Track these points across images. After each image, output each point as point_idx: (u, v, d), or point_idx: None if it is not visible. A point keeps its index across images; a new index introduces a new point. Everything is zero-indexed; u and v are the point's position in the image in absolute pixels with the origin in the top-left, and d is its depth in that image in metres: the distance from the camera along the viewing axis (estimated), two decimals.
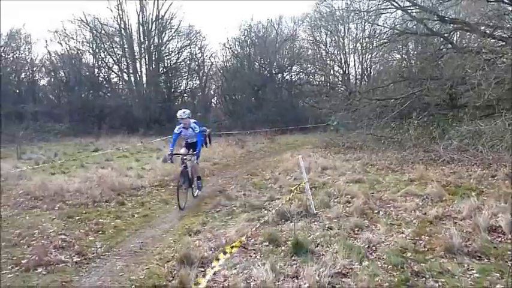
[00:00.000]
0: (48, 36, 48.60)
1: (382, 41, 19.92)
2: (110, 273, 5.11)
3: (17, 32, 32.76)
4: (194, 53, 36.15)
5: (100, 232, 6.78)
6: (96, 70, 35.52)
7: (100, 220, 7.42)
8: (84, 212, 7.96)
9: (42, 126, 28.02)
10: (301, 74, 36.64)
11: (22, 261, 5.40)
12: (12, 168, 12.92)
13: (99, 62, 35.27)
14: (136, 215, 7.86)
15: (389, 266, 4.69)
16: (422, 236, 5.63)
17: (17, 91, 33.11)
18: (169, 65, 35.52)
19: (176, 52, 35.40)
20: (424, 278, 4.38)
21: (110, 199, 8.91)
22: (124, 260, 5.53)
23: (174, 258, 5.29)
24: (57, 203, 8.57)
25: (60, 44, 36.54)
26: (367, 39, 30.87)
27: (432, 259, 4.86)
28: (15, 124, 24.09)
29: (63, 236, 6.41)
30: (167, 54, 35.29)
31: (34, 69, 34.80)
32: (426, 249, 5.20)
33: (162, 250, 5.82)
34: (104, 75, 35.96)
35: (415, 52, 21.12)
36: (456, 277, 4.37)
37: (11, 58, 32.85)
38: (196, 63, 36.56)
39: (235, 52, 36.37)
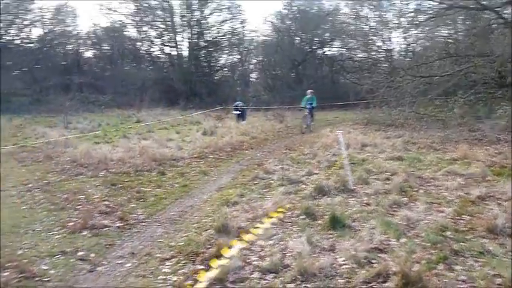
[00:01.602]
0: (93, 10, 49.73)
1: (428, 16, 19.15)
2: (150, 238, 5.28)
3: (64, 5, 33.64)
4: (235, 27, 36.05)
5: (141, 200, 7.00)
6: (138, 43, 36.10)
7: (141, 188, 7.65)
8: (126, 180, 8.23)
9: (87, 97, 28.95)
10: (342, 49, 35.89)
11: (68, 224, 5.67)
12: (59, 136, 13.46)
13: (142, 35, 35.77)
14: (176, 185, 8.04)
15: (428, 244, 4.61)
16: (464, 216, 5.49)
17: (64, 63, 34.16)
18: (210, 39, 35.56)
19: (217, 26, 35.38)
20: (463, 257, 4.29)
21: (151, 169, 9.16)
22: (164, 227, 5.70)
23: (212, 227, 5.40)
24: (101, 170, 8.90)
25: (105, 17, 37.36)
26: (412, 13, 29.80)
27: (473, 239, 4.74)
28: (62, 94, 24.93)
29: (106, 202, 6.67)
30: (208, 28, 35.31)
31: (79, 42, 35.76)
32: (467, 228, 5.07)
33: (200, 219, 5.95)
34: (146, 49, 36.50)
35: (463, 28, 20.24)
36: (497, 258, 4.26)
37: (58, 31, 33.81)
38: (237, 37, 36.48)
39: (276, 26, 35.97)
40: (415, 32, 29.78)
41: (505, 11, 15.74)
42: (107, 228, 5.58)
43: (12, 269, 4.28)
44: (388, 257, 4.35)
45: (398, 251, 4.43)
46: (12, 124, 18.59)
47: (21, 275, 4.17)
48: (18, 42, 31.95)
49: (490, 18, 16.05)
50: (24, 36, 32.40)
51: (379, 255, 4.41)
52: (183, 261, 4.51)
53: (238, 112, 18.82)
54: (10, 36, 31.63)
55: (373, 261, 4.27)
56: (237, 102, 19.67)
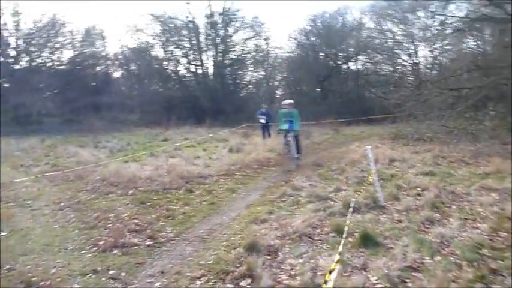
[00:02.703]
0: (121, 32, 51.13)
1: (455, 28, 18.90)
2: (180, 257, 5.30)
3: (93, 27, 34.67)
4: (259, 45, 36.33)
5: (170, 218, 7.04)
6: (165, 63, 36.74)
7: (170, 206, 7.71)
8: (155, 198, 8.30)
9: (116, 117, 29.53)
10: (367, 63, 35.67)
11: (99, 242, 5.75)
12: (89, 155, 13.74)
13: (168, 55, 36.40)
14: (204, 203, 8.07)
15: (464, 262, 4.47)
16: (500, 232, 5.31)
17: (93, 84, 35.04)
18: (235, 56, 35.91)
19: (242, 44, 35.71)
20: (502, 276, 4.14)
21: (179, 186, 9.22)
22: (193, 245, 5.71)
23: (241, 245, 5.38)
24: (131, 189, 9.01)
25: (132, 38, 38.28)
26: (438, 26, 29.50)
27: (511, 256, 4.57)
28: (92, 114, 25.51)
29: (136, 220, 6.74)
30: (233, 46, 35.66)
31: (108, 62, 36.68)
32: (504, 246, 4.90)
33: (229, 237, 5.94)
34: (173, 68, 37.10)
35: (492, 39, 19.88)
36: None
37: (88, 53, 34.81)
38: (261, 54, 36.73)
39: (300, 42, 36.11)
40: (442, 44, 29.55)
41: None
42: (136, 247, 5.63)
43: (46, 287, 4.35)
44: (423, 276, 4.23)
45: (434, 270, 4.31)
46: (45, 144, 19.08)
47: None
48: (49, 64, 32.98)
49: None
50: (56, 59, 33.47)
51: (413, 274, 4.30)
52: (213, 280, 4.51)
53: (263, 118, 17.91)
54: (42, 59, 32.70)
55: (407, 280, 4.17)
56: (263, 110, 19.24)
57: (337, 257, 3.54)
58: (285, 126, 12.00)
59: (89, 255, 5.40)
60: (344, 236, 4.76)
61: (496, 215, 6.05)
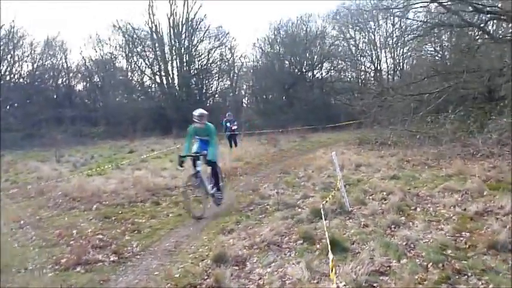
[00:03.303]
0: (82, 43, 50.22)
1: (414, 35, 19.47)
2: (145, 272, 5.16)
3: (53, 39, 33.89)
4: (224, 54, 36.42)
5: (136, 232, 6.87)
6: (129, 74, 36.30)
7: (136, 220, 7.53)
8: (120, 212, 8.10)
9: (80, 129, 28.88)
10: (332, 71, 36.35)
11: (61, 260, 5.53)
12: (51, 170, 13.33)
13: (132, 66, 36.03)
14: (171, 215, 7.92)
15: (429, 264, 4.53)
16: (463, 233, 5.43)
17: (55, 96, 34.20)
18: (200, 66, 35.84)
19: (206, 53, 35.73)
20: (466, 276, 4.21)
21: (145, 199, 9.04)
22: (159, 259, 5.58)
23: (209, 257, 5.30)
24: (95, 203, 8.76)
25: (95, 49, 37.68)
26: (398, 33, 30.35)
27: (474, 256, 4.67)
28: (54, 128, 24.85)
29: (100, 236, 6.53)
30: (198, 56, 35.63)
31: (70, 75, 35.91)
32: (467, 246, 5.01)
33: (196, 249, 5.84)
34: (137, 79, 36.69)
35: (449, 45, 20.57)
36: (500, 275, 4.18)
37: (48, 65, 33.99)
38: (227, 63, 36.82)
39: (265, 51, 36.39)
40: (403, 51, 30.41)
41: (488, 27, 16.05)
42: (101, 263, 5.45)
43: None
44: (390, 279, 4.26)
45: (400, 273, 4.34)
46: (4, 160, 18.40)
47: None
48: (8, 78, 31.99)
49: (475, 34, 16.33)
50: (15, 72, 32.50)
51: (381, 277, 4.33)
52: None
53: (229, 126, 17.95)
54: (0, 72, 31.70)
55: (375, 284, 4.19)
56: (228, 113, 19.18)
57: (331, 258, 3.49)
58: (196, 149, 8.20)
59: (51, 274, 5.19)
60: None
61: (458, 215, 6.19)
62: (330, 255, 3.53)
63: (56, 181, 11.02)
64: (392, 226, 5.91)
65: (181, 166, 8.12)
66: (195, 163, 7.93)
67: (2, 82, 30.60)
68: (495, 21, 16.29)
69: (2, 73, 31.44)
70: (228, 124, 18.15)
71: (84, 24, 59.83)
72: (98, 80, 36.01)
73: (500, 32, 16.90)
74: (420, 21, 18.19)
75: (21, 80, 32.78)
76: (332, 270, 3.29)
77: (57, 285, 4.78)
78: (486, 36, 15.73)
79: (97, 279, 4.97)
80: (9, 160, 18.16)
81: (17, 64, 32.36)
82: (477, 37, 16.32)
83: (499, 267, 4.34)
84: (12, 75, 32.29)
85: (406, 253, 4.92)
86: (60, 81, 35.32)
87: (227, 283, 4.43)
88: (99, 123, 31.20)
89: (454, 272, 4.29)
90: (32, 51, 32.77)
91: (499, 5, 15.07)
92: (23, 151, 21.87)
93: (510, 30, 15.25)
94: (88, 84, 36.37)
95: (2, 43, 30.62)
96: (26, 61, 32.77)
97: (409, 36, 21.89)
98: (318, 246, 5.40)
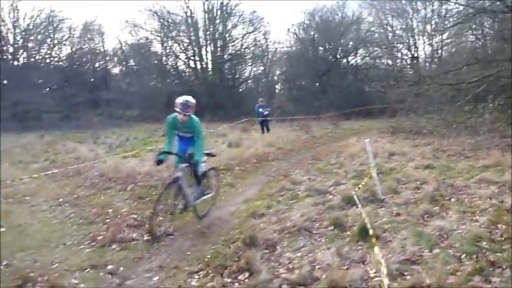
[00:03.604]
0: (119, 27, 51.01)
1: (455, 22, 18.85)
2: (178, 251, 5.29)
3: (91, 23, 34.61)
4: (258, 39, 36.29)
5: (169, 213, 7.01)
6: (164, 58, 36.69)
7: (168, 201, 7.67)
8: (154, 193, 8.25)
9: (115, 112, 29.54)
10: (367, 58, 35.67)
11: (98, 237, 5.72)
12: (88, 151, 13.73)
13: (167, 50, 36.37)
14: None
15: (463, 255, 4.45)
16: (499, 225, 5.28)
17: (92, 79, 35.01)
18: (233, 51, 35.87)
19: (240, 39, 35.70)
20: (500, 268, 4.12)
21: None
22: (192, 240, 5.69)
23: (240, 239, 5.37)
24: (129, 184, 8.99)
25: (131, 34, 38.28)
26: (437, 20, 29.45)
27: (510, 249, 4.55)
28: (91, 110, 25.49)
29: (134, 216, 6.71)
30: (232, 41, 35.65)
31: (107, 58, 36.65)
32: (503, 238, 4.87)
33: (228, 231, 5.93)
34: (172, 63, 37.05)
35: (492, 32, 19.82)
36: None
37: (86, 48, 34.76)
38: (260, 49, 36.69)
39: (299, 37, 36.03)
40: (441, 38, 29.49)
41: None
42: (135, 242, 5.61)
43: (44, 283, 4.34)
44: (422, 268, 4.22)
45: (432, 263, 4.29)
46: (44, 141, 19.06)
47: None
48: (48, 60, 32.94)
49: None
50: (54, 55, 33.43)
51: (412, 266, 4.28)
52: (211, 274, 4.50)
53: (262, 111, 18.02)
54: (40, 55, 32.67)
55: (406, 273, 4.16)
56: (261, 99, 19.28)
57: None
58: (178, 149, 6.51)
59: (87, 250, 5.39)
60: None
61: (494, 207, 6.02)
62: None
63: (93, 162, 11.34)
64: (425, 216, 5.82)
65: (158, 165, 6.40)
66: (178, 167, 6.23)
67: (42, 65, 31.54)
68: None
69: (42, 56, 32.40)
70: (261, 109, 18.16)
71: (121, 8, 60.72)
72: (134, 64, 36.62)
73: None
74: (462, 6, 17.55)
75: (60, 63, 33.72)
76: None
77: (93, 261, 4.96)
78: None
79: (131, 256, 5.14)
80: (49, 140, 18.80)
81: (56, 47, 33.31)
82: None
83: None
84: (51, 58, 33.26)
85: (439, 243, 4.85)
86: (97, 65, 36.16)
87: (257, 265, 4.48)
88: (134, 106, 31.78)
89: (488, 264, 4.20)
90: (71, 35, 33.63)
91: None
92: (61, 132, 22.54)
93: None
94: (124, 68, 37.09)
95: (42, 26, 31.49)
96: (65, 44, 33.67)
97: (449, 22, 21.22)
98: (348, 232, 5.39)
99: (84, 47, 34.55)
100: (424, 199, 6.55)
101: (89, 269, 4.77)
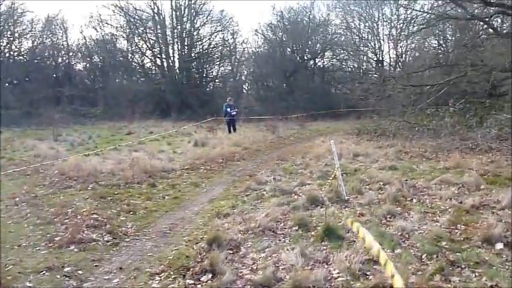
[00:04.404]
0: (84, 22, 49.76)
1: (418, 26, 19.29)
2: (139, 252, 5.16)
3: (54, 17, 33.54)
4: (226, 39, 36.11)
5: (131, 213, 6.87)
6: (130, 55, 35.98)
7: (131, 201, 7.52)
8: (116, 192, 8.09)
9: (78, 109, 28.77)
10: (333, 60, 36.14)
11: (56, 238, 5.52)
12: (48, 149, 13.29)
13: (133, 47, 35.66)
14: (166, 197, 7.93)
15: (424, 255, 4.53)
16: (458, 225, 5.42)
17: (54, 75, 33.94)
18: (201, 50, 35.54)
19: (208, 38, 35.37)
20: (459, 268, 4.21)
21: (141, 181, 9.02)
22: (154, 241, 5.58)
23: (203, 240, 5.29)
24: (91, 183, 8.75)
25: (95, 29, 37.39)
26: (402, 24, 30.15)
27: (469, 249, 4.66)
28: (52, 107, 24.71)
29: (95, 216, 6.51)
30: (199, 39, 35.29)
31: (70, 54, 35.60)
32: (462, 238, 5.00)
33: (191, 232, 5.85)
34: (138, 60, 36.39)
35: (453, 38, 20.43)
36: (494, 268, 4.18)
37: (49, 43, 33.67)
38: (228, 49, 36.52)
39: (267, 38, 36.11)
40: (406, 42, 30.19)
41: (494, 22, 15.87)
42: (95, 243, 5.44)
43: None
44: (384, 268, 4.24)
45: (394, 263, 4.33)
46: (1, 137, 18.33)
47: None
48: (8, 54, 31.70)
49: (479, 28, 16.18)
50: (15, 49, 32.20)
51: (374, 266, 4.31)
52: (173, 276, 4.40)
53: (229, 111, 18.05)
54: (0, 48, 31.42)
55: (368, 273, 4.18)
56: (229, 98, 19.24)
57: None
58: None
59: (44, 252, 5.18)
60: None
61: (454, 208, 6.18)
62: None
63: (53, 160, 10.97)
64: (388, 216, 5.91)
65: None
66: None
67: (1, 59, 30.33)
68: (501, 16, 16.11)
69: (1, 49, 31.18)
70: (229, 109, 18.09)
71: (85, 3, 59.26)
72: (98, 60, 35.72)
73: (505, 27, 16.75)
74: (425, 12, 17.99)
75: (20, 57, 32.51)
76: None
77: (50, 263, 4.76)
78: (491, 31, 15.59)
79: (90, 258, 4.97)
80: (7, 137, 18.09)
81: (16, 41, 32.09)
82: (481, 32, 16.18)
83: (492, 260, 4.34)
84: (11, 52, 32.01)
85: (401, 243, 4.92)
86: (60, 60, 35.05)
87: (221, 266, 4.41)
88: (98, 103, 30.99)
89: (448, 264, 4.28)
90: (33, 29, 32.45)
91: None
92: (20, 129, 21.78)
93: None
94: (88, 64, 36.08)
95: (2, 19, 30.29)
96: (26, 38, 32.48)
97: (414, 27, 21.72)
98: (312, 233, 5.39)
99: (46, 41, 33.42)
100: (387, 200, 6.65)
101: (44, 272, 4.57)
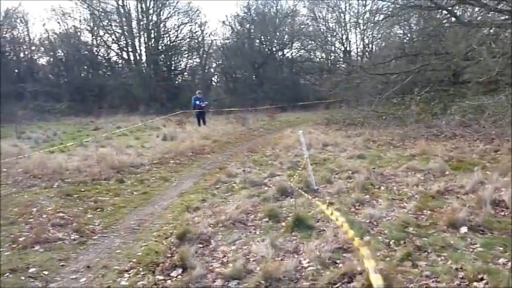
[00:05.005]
0: (46, 15, 48.23)
1: (383, 16, 19.55)
2: (107, 250, 5.05)
3: (14, 10, 32.39)
4: (194, 31, 35.72)
5: (98, 210, 6.71)
6: (95, 49, 35.17)
7: (99, 198, 7.35)
8: (82, 190, 7.89)
9: (42, 105, 28.02)
10: (302, 51, 36.31)
11: (19, 239, 5.32)
12: (11, 147, 12.86)
13: (98, 41, 34.88)
14: (135, 193, 7.79)
15: (391, 241, 4.61)
16: (425, 211, 5.54)
17: (16, 70, 32.87)
18: (168, 43, 35.07)
19: (175, 30, 34.93)
20: (426, 253, 4.30)
21: (109, 177, 8.83)
22: (122, 237, 5.47)
23: (173, 235, 5.22)
24: (56, 181, 8.50)
25: (58, 22, 36.34)
26: (368, 14, 30.51)
27: (434, 233, 4.77)
28: (15, 103, 23.97)
29: (61, 214, 6.33)
30: (166, 32, 34.82)
31: (32, 48, 34.54)
32: (428, 223, 5.11)
33: (160, 227, 5.75)
34: (103, 54, 35.64)
35: (418, 27, 20.79)
36: (459, 251, 4.29)
37: (9, 37, 32.52)
38: (196, 41, 36.18)
39: (235, 29, 35.94)
40: (372, 32, 30.61)
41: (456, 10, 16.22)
42: (61, 242, 5.29)
43: None
44: (353, 256, 4.30)
45: (363, 250, 4.39)
46: None
47: None
48: None
49: (442, 17, 16.51)
50: None
51: (344, 255, 4.36)
52: (143, 272, 4.32)
53: (198, 103, 17.87)
54: None
55: (338, 261, 4.22)
56: (198, 91, 19.07)
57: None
58: None
59: (7, 253, 4.99)
60: None
61: (421, 194, 6.32)
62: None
63: (16, 158, 10.62)
64: (357, 204, 5.99)
65: None
66: None
67: None
68: (462, 5, 16.47)
69: None
70: (198, 102, 17.94)
71: None
72: (62, 54, 34.75)
73: (466, 16, 17.15)
74: (390, 2, 18.22)
75: None
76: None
77: (13, 264, 4.61)
78: (453, 20, 15.93)
79: (57, 257, 4.83)
80: None
81: None
82: (444, 21, 16.52)
83: (457, 244, 4.45)
84: None
85: (370, 230, 4.99)
86: (21, 55, 33.98)
87: (191, 261, 4.37)
88: (63, 99, 30.25)
89: (415, 249, 4.37)
90: None
91: None
92: None
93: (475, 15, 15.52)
94: (51, 59, 35.06)
95: None
96: None
97: (380, 16, 21.97)
98: (283, 224, 5.40)
99: (6, 35, 32.27)
100: (356, 188, 6.73)
101: (8, 274, 4.41)
